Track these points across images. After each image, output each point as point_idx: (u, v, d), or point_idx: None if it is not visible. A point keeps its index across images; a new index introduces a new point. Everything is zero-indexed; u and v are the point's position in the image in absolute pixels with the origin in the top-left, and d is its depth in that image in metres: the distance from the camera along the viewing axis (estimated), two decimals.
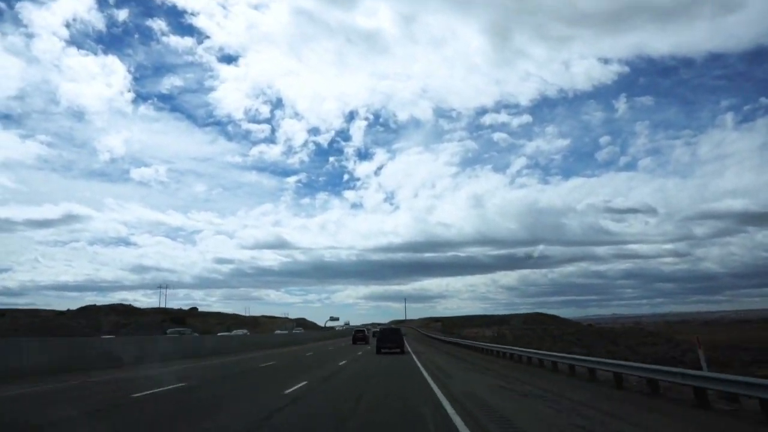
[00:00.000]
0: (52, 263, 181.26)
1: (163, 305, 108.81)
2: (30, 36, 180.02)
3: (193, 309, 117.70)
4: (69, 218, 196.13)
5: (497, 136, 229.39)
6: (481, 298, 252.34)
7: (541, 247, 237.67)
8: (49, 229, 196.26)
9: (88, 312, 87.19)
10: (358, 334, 53.33)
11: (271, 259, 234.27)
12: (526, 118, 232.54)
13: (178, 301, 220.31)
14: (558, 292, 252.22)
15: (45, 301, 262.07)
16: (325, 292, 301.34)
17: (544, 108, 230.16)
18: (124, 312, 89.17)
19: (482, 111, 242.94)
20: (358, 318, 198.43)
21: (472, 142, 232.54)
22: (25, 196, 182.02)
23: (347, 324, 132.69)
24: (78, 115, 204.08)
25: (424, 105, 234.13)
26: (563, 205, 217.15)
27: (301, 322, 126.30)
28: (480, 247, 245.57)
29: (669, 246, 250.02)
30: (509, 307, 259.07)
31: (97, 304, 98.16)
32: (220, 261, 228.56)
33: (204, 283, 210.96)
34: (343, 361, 24.57)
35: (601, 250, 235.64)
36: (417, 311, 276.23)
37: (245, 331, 64.36)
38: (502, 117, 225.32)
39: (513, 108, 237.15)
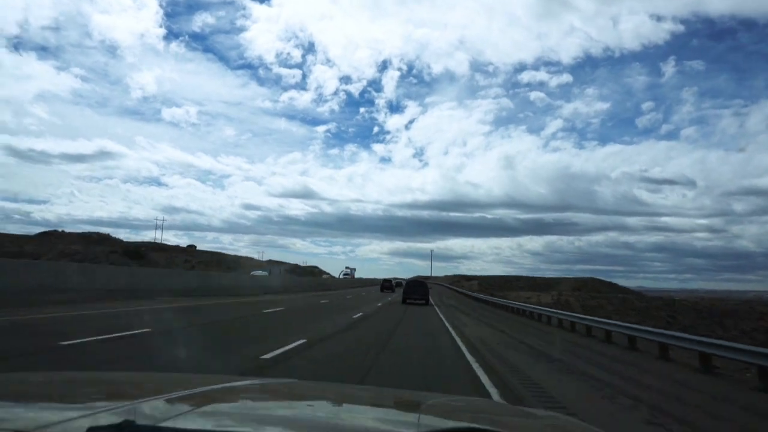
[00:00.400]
0: (87, 198, 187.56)
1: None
2: None
3: (191, 246, 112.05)
4: (102, 154, 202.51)
5: (534, 95, 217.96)
6: (506, 261, 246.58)
7: (569, 213, 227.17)
8: (84, 164, 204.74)
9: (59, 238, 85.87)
10: (386, 284, 61.31)
11: (298, 208, 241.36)
12: (566, 77, 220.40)
13: (207, 243, 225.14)
14: (584, 260, 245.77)
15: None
16: (350, 245, 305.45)
17: (586, 67, 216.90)
18: (99, 241, 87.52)
19: (521, 67, 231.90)
20: (382, 272, 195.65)
21: (507, 100, 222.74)
22: (60, 129, 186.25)
23: (348, 272, 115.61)
24: (110, 49, 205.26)
25: (460, 57, 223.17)
26: (597, 172, 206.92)
27: (309, 270, 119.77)
28: (507, 210, 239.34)
29: (704, 221, 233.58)
30: (534, 272, 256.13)
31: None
32: (248, 207, 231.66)
33: (232, 227, 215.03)
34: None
35: (632, 221, 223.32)
36: (440, 270, 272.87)
37: (264, 272, 58.56)
38: (541, 75, 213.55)
39: (553, 66, 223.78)
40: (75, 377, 2.47)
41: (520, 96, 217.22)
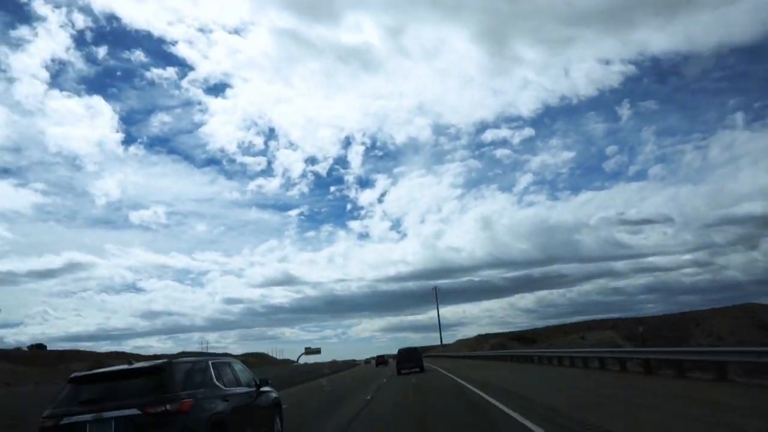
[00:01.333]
0: (62, 314, 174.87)
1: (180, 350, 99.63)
2: (11, 81, 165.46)
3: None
4: (72, 267, 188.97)
5: (500, 152, 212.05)
6: (500, 322, 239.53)
7: (556, 266, 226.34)
8: (54, 279, 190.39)
9: None
10: (380, 359, 71.89)
11: (281, 296, 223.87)
12: (528, 131, 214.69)
13: (194, 344, 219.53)
14: (578, 311, 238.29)
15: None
16: (341, 327, 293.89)
17: (545, 119, 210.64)
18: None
19: (482, 126, 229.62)
20: (376, 351, 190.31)
21: (474, 161, 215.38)
22: (25, 246, 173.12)
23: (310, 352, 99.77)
24: (69, 160, 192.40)
25: (421, 123, 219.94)
26: (575, 221, 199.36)
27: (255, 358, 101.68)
28: (493, 270, 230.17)
29: (689, 256, 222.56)
30: (530, 329, 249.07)
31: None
32: (230, 301, 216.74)
33: (217, 324, 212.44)
34: None
35: (619, 265, 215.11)
36: (432, 341, 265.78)
37: None
38: (504, 132, 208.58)
39: (514, 121, 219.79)
40: None
41: (486, 155, 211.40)
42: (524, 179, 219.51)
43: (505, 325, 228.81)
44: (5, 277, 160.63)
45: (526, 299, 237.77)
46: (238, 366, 9.15)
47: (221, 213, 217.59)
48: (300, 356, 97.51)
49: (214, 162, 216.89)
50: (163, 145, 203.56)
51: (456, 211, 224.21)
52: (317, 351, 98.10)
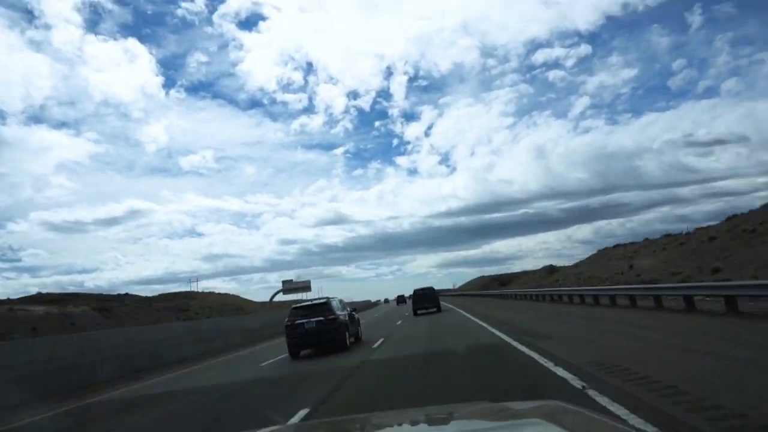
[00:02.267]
0: (131, 259, 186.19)
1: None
2: (48, 27, 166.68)
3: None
4: (133, 213, 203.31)
5: (553, 74, 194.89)
6: (557, 255, 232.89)
7: (615, 195, 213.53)
8: (119, 226, 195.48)
9: None
10: (400, 298, 77.80)
11: (334, 235, 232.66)
12: (585, 48, 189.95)
13: (255, 285, 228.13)
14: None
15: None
16: (395, 264, 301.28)
17: (604, 33, 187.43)
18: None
19: (534, 45, 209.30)
20: (434, 286, 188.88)
21: (526, 86, 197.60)
22: (87, 196, 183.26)
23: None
24: (115, 107, 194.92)
25: (466, 44, 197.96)
26: (637, 146, 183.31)
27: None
28: (549, 201, 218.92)
29: (765, 179, 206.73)
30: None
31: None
32: (285, 242, 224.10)
33: (275, 265, 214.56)
34: None
35: (685, 191, 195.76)
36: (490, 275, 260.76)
37: None
38: (557, 51, 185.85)
39: (568, 37, 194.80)
40: None
41: (538, 79, 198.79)
42: (580, 103, 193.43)
43: (562, 258, 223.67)
44: (74, 226, 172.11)
45: (583, 230, 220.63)
46: (343, 302, 19.32)
47: (269, 155, 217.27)
48: (274, 295, 76.39)
49: (258, 104, 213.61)
50: (205, 89, 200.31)
51: (507, 142, 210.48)
52: (304, 286, 74.95)
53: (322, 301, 17.19)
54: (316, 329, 15.76)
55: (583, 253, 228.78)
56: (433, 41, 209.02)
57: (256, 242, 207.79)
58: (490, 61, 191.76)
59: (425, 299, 33.62)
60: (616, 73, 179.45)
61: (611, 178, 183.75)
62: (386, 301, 69.46)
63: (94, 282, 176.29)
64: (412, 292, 37.09)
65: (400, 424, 2.47)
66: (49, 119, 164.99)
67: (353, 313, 18.86)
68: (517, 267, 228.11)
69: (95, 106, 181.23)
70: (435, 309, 32.87)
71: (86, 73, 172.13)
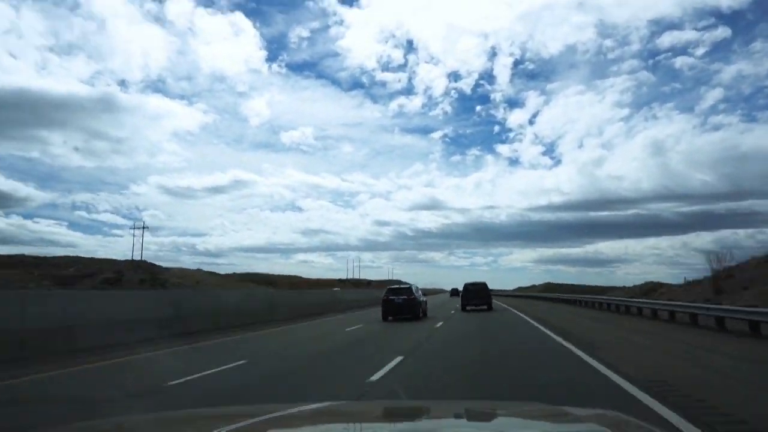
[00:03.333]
0: (237, 227, 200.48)
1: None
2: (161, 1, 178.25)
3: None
4: (238, 183, 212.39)
5: (681, 61, 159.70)
6: (670, 263, 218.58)
7: (748, 202, 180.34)
8: (225, 194, 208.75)
9: None
10: (454, 291, 74.67)
11: (429, 220, 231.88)
12: (723, 31, 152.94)
13: (350, 262, 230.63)
14: None
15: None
16: (491, 255, 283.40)
17: (748, 13, 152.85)
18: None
19: (660, 26, 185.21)
20: (529, 281, 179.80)
21: (647, 74, 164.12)
22: (195, 164, 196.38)
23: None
24: (221, 80, 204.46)
25: (580, 22, 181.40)
26: None
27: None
28: (665, 203, 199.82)
29: None
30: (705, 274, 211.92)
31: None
32: (380, 223, 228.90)
33: (370, 245, 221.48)
34: None
35: None
36: (592, 276, 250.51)
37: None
38: (688, 34, 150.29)
39: (703, 18, 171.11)
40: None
41: (662, 65, 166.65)
42: (712, 95, 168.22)
43: (675, 266, 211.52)
44: (186, 192, 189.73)
45: (702, 238, 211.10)
46: (419, 286, 25.98)
47: (368, 137, 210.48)
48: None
49: (359, 85, 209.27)
50: (309, 68, 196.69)
51: (621, 135, 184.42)
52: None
53: (407, 286, 25.88)
54: (402, 303, 23.78)
55: (699, 263, 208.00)
56: (543, 18, 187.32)
57: (352, 221, 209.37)
58: (607, 43, 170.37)
59: (476, 295, 31.82)
60: (760, 62, 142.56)
61: (743, 183, 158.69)
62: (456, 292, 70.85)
63: (204, 246, 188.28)
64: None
65: (455, 415, 2.51)
66: (164, 90, 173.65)
67: (425, 298, 27.14)
68: (621, 271, 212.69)
69: (205, 79, 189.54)
70: (486, 306, 31.39)
71: (196, 46, 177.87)
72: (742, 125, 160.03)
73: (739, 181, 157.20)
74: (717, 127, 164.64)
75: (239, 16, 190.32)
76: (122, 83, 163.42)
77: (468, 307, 31.47)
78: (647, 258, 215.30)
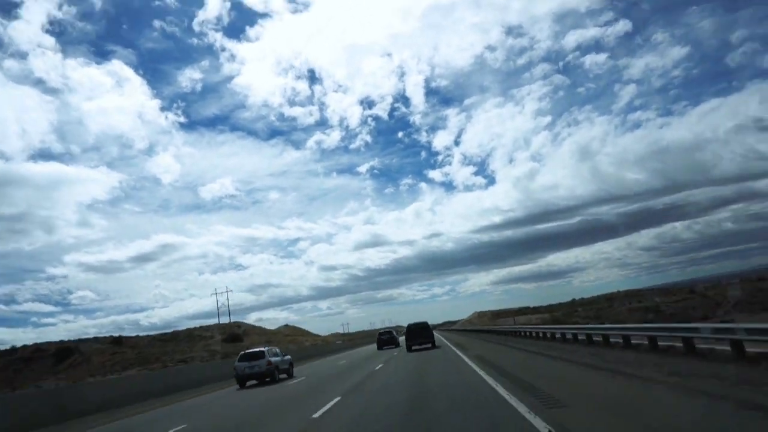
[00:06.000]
0: (179, 295, 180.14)
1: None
2: (23, 56, 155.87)
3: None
4: (166, 248, 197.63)
5: (590, 60, 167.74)
6: (620, 265, 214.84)
7: (681, 194, 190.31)
8: (155, 262, 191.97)
9: None
10: (383, 336, 44.30)
11: (377, 257, 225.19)
12: (624, 25, 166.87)
13: (306, 313, 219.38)
14: (710, 244, 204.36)
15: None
16: (447, 284, 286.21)
17: (644, 4, 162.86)
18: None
19: (562, 26, 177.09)
20: (493, 305, 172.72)
21: (560, 77, 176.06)
22: (113, 234, 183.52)
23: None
24: (115, 137, 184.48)
25: (481, 20, 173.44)
26: (696, 137, 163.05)
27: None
28: (604, 206, 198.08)
29: None
30: (655, 271, 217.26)
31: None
32: (328, 268, 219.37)
33: (323, 293, 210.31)
34: None
35: (762, 184, 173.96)
36: (550, 290, 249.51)
37: None
38: (592, 31, 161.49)
39: (601, 13, 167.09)
40: None
41: (572, 66, 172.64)
42: (626, 93, 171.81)
43: (625, 267, 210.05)
44: (109, 265, 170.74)
45: (644, 236, 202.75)
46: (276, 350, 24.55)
47: (297, 184, 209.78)
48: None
49: (278, 132, 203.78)
50: (221, 122, 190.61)
51: (547, 144, 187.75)
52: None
53: (260, 350, 23.01)
54: (255, 372, 21.89)
55: (647, 261, 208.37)
56: (444, 26, 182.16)
57: (298, 271, 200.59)
58: (514, 47, 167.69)
59: (420, 335, 32.19)
60: (665, 52, 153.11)
61: (674, 176, 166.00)
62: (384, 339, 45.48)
63: (149, 320, 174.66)
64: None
65: None
66: (54, 156, 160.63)
67: (286, 356, 25.47)
68: (577, 280, 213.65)
69: (97, 138, 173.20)
70: (429, 344, 31.72)
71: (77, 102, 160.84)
72: (660, 120, 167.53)
73: (669, 174, 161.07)
74: (637, 125, 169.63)
75: (118, 65, 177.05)
76: (2, 154, 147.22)
77: (414, 347, 31.53)
78: (598, 263, 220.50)
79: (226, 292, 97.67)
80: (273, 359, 22.65)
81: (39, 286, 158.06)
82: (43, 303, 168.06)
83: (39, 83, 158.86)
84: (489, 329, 55.03)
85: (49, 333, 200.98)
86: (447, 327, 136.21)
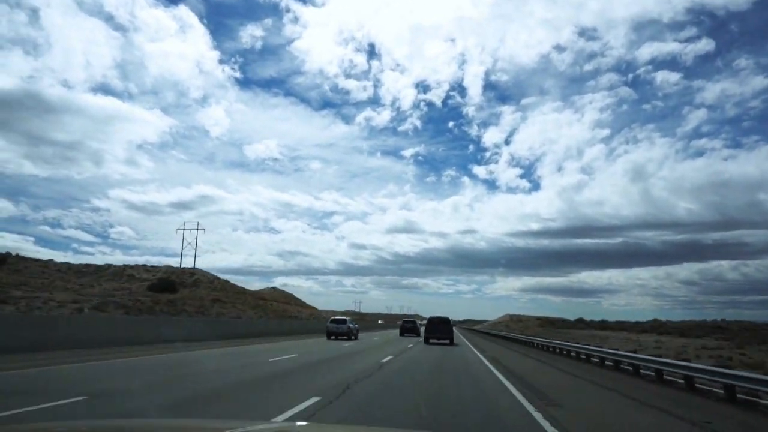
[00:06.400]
0: (211, 247, 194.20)
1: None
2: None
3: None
4: (205, 199, 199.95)
5: (661, 77, 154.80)
6: (655, 294, 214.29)
7: (737, 232, 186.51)
8: (192, 211, 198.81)
9: None
10: (407, 325, 48.96)
11: (408, 244, 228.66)
12: (706, 44, 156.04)
13: (330, 287, 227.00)
14: (755, 290, 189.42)
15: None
16: (474, 283, 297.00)
17: (731, 24, 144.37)
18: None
19: (638, 36, 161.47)
20: (516, 310, 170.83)
21: (627, 89, 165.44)
22: (159, 177, 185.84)
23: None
24: (176, 86, 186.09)
25: (554, 17, 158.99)
26: (763, 175, 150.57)
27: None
28: (649, 232, 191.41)
29: None
30: (691, 306, 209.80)
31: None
32: (358, 246, 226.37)
33: (349, 270, 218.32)
34: None
35: None
36: (577, 307, 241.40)
37: None
38: (669, 46, 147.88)
39: (683, 27, 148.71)
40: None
41: (641, 80, 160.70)
42: (694, 117, 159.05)
43: (660, 297, 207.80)
44: (149, 206, 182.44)
45: (687, 269, 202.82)
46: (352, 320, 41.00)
47: (342, 159, 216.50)
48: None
49: (329, 104, 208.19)
50: (277, 84, 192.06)
51: (601, 158, 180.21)
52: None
53: (343, 318, 38.71)
54: (343, 330, 35.93)
55: (684, 295, 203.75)
56: (513, 19, 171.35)
57: (328, 244, 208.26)
58: (583, 49, 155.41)
59: (439, 329, 32.89)
60: (745, 80, 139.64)
61: (730, 212, 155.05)
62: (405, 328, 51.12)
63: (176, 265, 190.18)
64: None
65: None
66: (113, 92, 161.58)
67: (356, 325, 39.95)
68: (607, 302, 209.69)
69: (155, 81, 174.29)
70: (447, 341, 32.09)
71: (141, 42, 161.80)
72: (726, 151, 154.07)
73: (725, 210, 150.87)
74: (700, 152, 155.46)
75: (184, 10, 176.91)
76: (65, 83, 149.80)
77: (431, 340, 32.40)
78: (632, 289, 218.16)
79: (197, 229, 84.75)
80: (351, 325, 37.00)
81: (83, 216, 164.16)
82: (85, 232, 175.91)
83: (109, 18, 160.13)
84: (536, 341, 35.31)
85: (85, 261, 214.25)
86: (469, 326, 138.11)
